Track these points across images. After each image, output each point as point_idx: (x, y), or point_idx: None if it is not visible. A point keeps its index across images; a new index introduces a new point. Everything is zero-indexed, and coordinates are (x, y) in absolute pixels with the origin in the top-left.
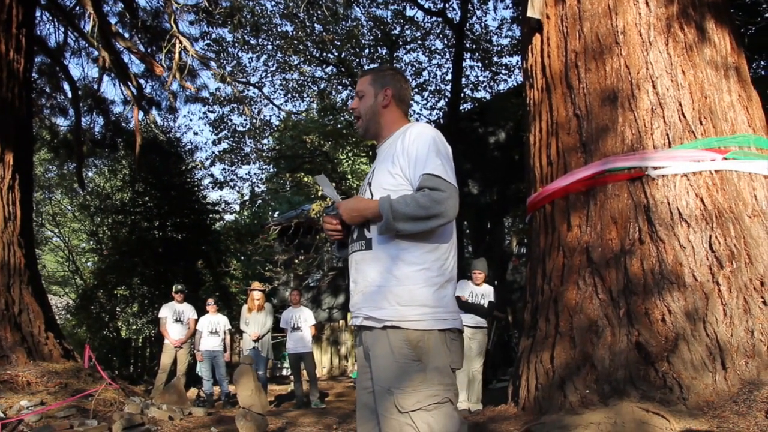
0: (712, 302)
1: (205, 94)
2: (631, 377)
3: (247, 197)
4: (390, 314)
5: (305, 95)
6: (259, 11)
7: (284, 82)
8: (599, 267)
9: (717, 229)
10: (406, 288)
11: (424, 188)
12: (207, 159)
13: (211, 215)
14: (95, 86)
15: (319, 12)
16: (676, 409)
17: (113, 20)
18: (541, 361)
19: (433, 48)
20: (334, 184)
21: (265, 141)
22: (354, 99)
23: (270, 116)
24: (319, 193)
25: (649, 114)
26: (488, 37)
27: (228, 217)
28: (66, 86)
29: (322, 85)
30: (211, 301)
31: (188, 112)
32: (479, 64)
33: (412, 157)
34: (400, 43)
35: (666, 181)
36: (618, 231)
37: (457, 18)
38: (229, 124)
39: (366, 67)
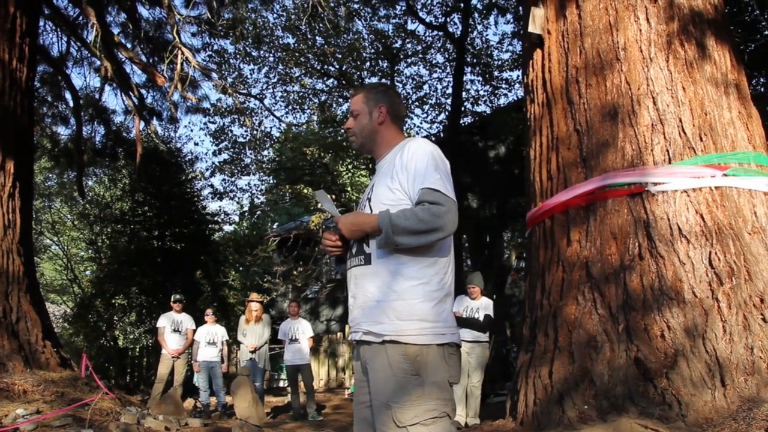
0: (711, 319)
1: (206, 104)
2: (630, 393)
3: (246, 208)
4: (389, 329)
5: (306, 107)
6: (261, 23)
7: (285, 94)
8: (599, 282)
9: (717, 246)
10: (406, 303)
11: (424, 202)
12: (207, 169)
13: (210, 226)
14: (97, 96)
15: (320, 25)
16: (675, 426)
17: (116, 30)
18: (540, 376)
19: (434, 62)
20: (333, 197)
21: (265, 152)
22: (348, 119)
23: (270, 128)
24: (319, 206)
25: (649, 130)
26: (489, 52)
27: (227, 228)
28: (68, 95)
29: (323, 98)
30: (209, 311)
31: (189, 123)
32: (480, 79)
33: (411, 171)
34: (401, 56)
35: (666, 197)
36: (618, 246)
37: (458, 32)
38: (230, 135)
39: (367, 81)
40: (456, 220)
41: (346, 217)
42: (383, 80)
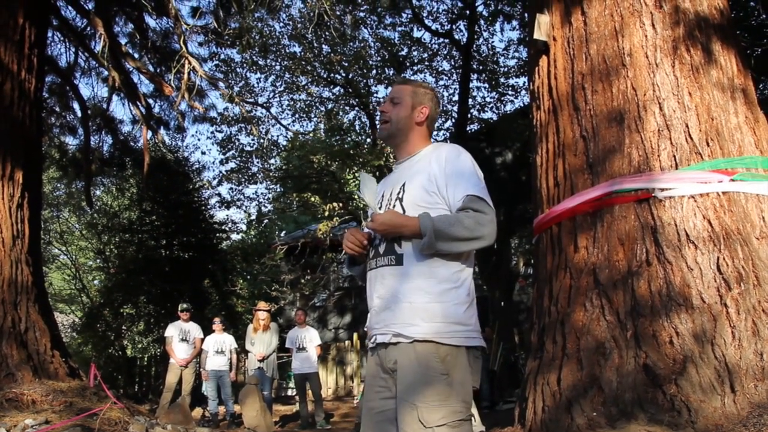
0: (720, 324)
1: (213, 114)
2: (639, 399)
3: (254, 217)
4: (423, 330)
5: (313, 115)
6: (268, 32)
7: (292, 103)
8: (606, 288)
9: (725, 251)
10: (441, 305)
11: (468, 209)
12: (214, 178)
13: (217, 234)
14: (104, 106)
15: (326, 33)
16: None
17: (123, 41)
18: (548, 382)
19: (440, 69)
20: (340, 204)
21: (272, 161)
22: (386, 101)
23: (277, 136)
24: (361, 193)
25: (656, 135)
26: (495, 59)
27: (235, 237)
28: (76, 105)
29: (330, 106)
30: (217, 320)
31: (196, 132)
32: (486, 85)
33: (452, 177)
34: (408, 64)
35: (673, 202)
36: (625, 252)
37: (464, 39)
38: (237, 143)
39: (373, 89)
40: (495, 230)
41: (384, 216)
42: (389, 89)
